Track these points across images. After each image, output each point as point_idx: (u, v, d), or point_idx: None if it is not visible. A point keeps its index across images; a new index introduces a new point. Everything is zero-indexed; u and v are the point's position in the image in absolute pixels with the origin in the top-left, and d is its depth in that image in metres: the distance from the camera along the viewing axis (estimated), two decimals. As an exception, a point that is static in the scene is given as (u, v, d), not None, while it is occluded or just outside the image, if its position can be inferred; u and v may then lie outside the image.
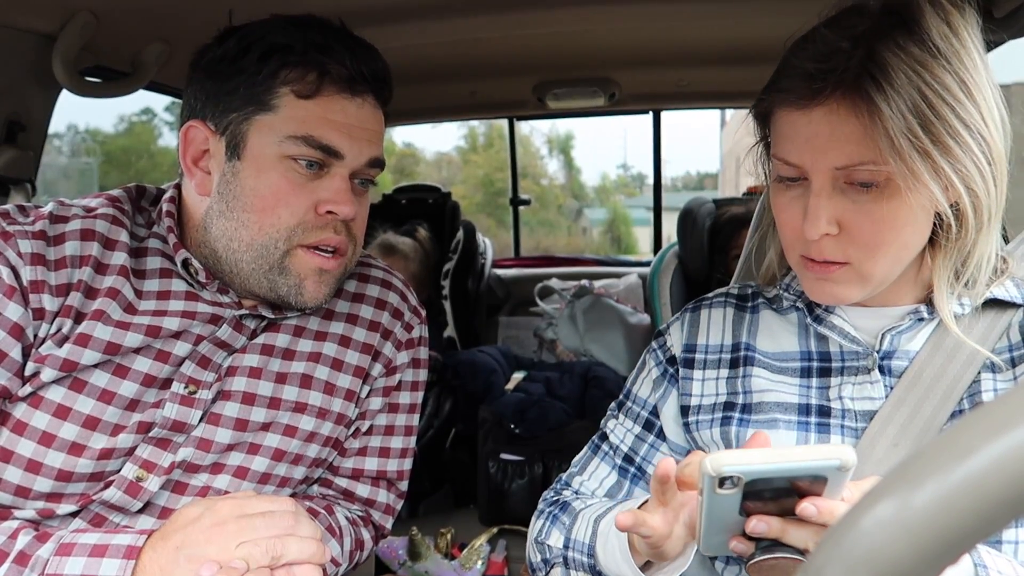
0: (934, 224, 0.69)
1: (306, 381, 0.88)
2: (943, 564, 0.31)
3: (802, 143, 0.67)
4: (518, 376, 2.14)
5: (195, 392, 0.82)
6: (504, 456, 1.87)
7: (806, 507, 0.53)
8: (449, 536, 1.81)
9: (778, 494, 0.54)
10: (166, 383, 0.82)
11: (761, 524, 0.55)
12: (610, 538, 0.72)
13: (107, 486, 0.79)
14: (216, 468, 0.83)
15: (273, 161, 0.79)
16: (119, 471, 0.80)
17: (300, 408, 0.87)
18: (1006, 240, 0.92)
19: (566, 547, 0.78)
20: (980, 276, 0.72)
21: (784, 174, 0.71)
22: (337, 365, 0.90)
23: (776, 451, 0.53)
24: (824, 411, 0.75)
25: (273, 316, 0.87)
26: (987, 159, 0.64)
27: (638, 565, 0.69)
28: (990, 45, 1.13)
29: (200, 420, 0.83)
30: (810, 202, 0.68)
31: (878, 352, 0.74)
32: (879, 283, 0.70)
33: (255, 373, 0.86)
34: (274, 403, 0.86)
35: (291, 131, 0.79)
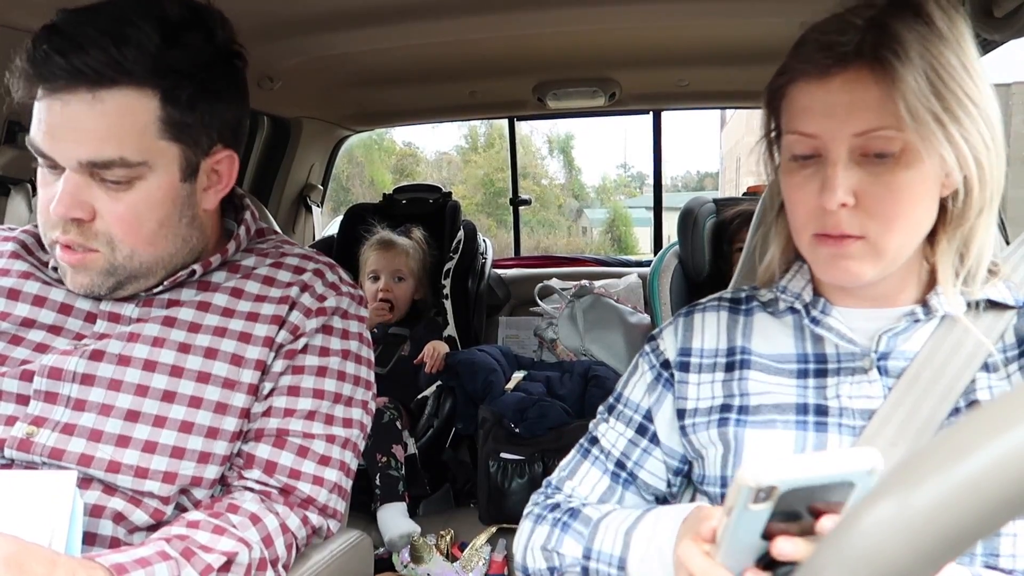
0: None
1: (211, 353, 0.89)
2: (942, 563, 0.31)
3: (820, 113, 0.69)
4: (518, 376, 2.14)
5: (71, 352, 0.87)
6: (504, 455, 1.87)
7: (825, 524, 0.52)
8: (449, 537, 1.82)
9: (798, 514, 0.53)
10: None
11: (788, 544, 0.52)
12: (651, 554, 0.71)
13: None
14: (122, 441, 0.83)
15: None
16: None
17: (204, 378, 0.87)
18: (1007, 240, 0.93)
19: (587, 558, 0.77)
20: (979, 270, 0.73)
21: (799, 151, 0.72)
22: (245, 338, 0.90)
23: (811, 458, 0.51)
24: (821, 410, 0.74)
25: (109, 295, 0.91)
26: (991, 137, 0.68)
27: None
28: (991, 45, 1.13)
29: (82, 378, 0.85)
30: (827, 172, 0.69)
31: (875, 353, 0.74)
32: (891, 262, 0.71)
33: (158, 342, 0.87)
34: (176, 371, 0.87)
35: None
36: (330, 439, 0.93)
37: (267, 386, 0.91)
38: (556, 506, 0.84)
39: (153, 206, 0.86)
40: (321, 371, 0.94)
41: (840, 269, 0.72)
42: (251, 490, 0.88)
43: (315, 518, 0.91)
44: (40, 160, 0.84)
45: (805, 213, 0.73)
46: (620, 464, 0.85)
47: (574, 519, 0.81)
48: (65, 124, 0.80)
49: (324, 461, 0.92)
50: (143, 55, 0.80)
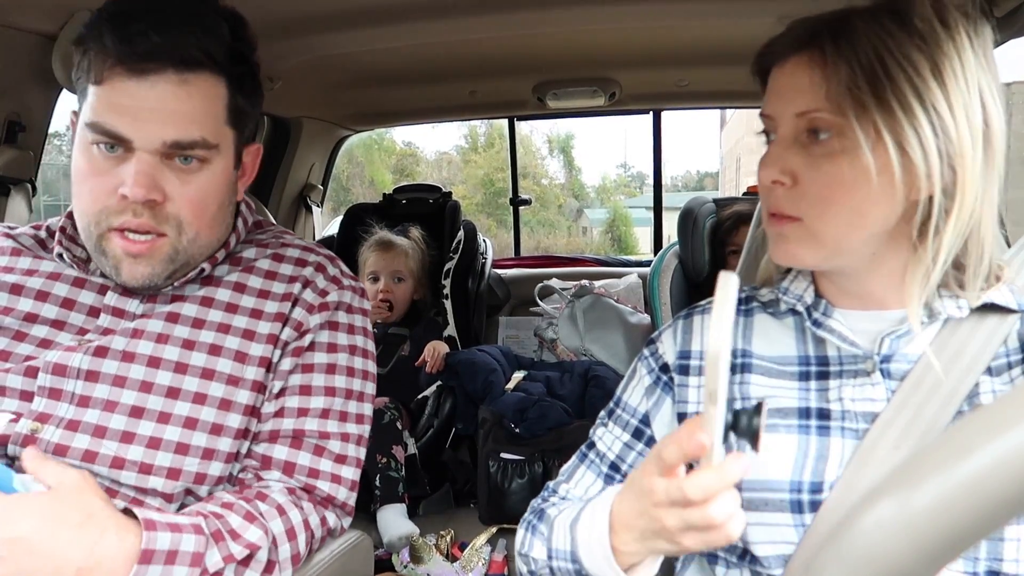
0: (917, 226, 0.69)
1: (215, 349, 0.89)
2: (943, 563, 0.31)
3: (773, 94, 0.74)
4: (518, 376, 2.14)
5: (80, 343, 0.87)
6: (504, 455, 1.87)
7: None
8: (449, 537, 1.82)
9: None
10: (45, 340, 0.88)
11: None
12: (592, 546, 0.71)
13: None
14: (127, 437, 0.83)
15: (83, 145, 0.84)
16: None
17: (208, 375, 0.88)
18: (1008, 243, 0.92)
19: (550, 557, 0.78)
20: (974, 277, 0.71)
21: (765, 128, 0.76)
22: (249, 335, 0.91)
23: (719, 306, 0.53)
24: (824, 414, 0.74)
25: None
26: (943, 139, 0.65)
27: (623, 568, 0.68)
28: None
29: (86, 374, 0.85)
30: (769, 149, 0.73)
31: (878, 355, 0.74)
32: (834, 250, 0.71)
33: (162, 339, 0.88)
34: (180, 368, 0.87)
35: (86, 119, 0.83)
36: (345, 437, 0.94)
37: (276, 385, 0.92)
38: (534, 510, 0.85)
39: (217, 189, 0.88)
40: (330, 368, 0.95)
41: (780, 249, 0.74)
42: None
43: (332, 517, 0.92)
44: (101, 144, 0.83)
45: (761, 193, 0.76)
46: (614, 467, 0.85)
47: (540, 520, 0.81)
48: (151, 105, 0.81)
49: (340, 459, 0.93)
50: (221, 43, 0.84)
